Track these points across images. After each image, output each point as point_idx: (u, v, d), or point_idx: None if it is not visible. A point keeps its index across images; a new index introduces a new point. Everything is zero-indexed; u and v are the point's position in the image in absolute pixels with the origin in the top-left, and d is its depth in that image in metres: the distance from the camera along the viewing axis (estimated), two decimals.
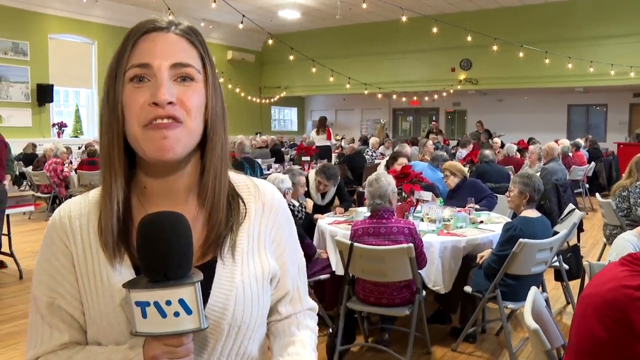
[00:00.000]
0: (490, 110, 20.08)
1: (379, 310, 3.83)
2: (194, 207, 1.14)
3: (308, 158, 10.75)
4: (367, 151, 13.23)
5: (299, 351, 1.20)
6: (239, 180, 1.23)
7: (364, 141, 16.48)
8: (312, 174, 5.76)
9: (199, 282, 0.97)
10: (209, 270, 1.08)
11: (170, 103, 1.02)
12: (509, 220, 4.88)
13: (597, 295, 2.38)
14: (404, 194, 4.76)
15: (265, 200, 1.21)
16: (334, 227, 4.61)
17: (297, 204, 5.23)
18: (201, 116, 1.10)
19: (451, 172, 5.81)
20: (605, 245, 5.97)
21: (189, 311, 0.97)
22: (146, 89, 1.04)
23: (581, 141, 12.79)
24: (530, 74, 16.41)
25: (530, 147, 9.80)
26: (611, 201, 5.50)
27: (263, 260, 1.16)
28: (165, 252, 0.95)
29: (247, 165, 8.20)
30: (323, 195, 5.78)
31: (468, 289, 4.08)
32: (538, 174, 8.15)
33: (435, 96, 18.86)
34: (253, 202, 1.20)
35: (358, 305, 3.86)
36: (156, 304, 0.96)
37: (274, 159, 12.68)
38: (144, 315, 0.97)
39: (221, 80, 1.30)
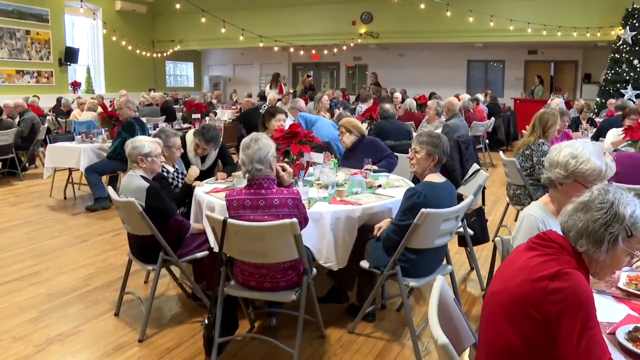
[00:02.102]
0: (391, 65, 19.83)
1: (261, 296, 3.23)
2: None
3: (198, 115, 9.90)
4: (264, 107, 12.49)
5: None
6: None
7: (262, 97, 15.72)
8: (189, 134, 5.00)
9: None
10: None
11: None
12: (410, 183, 4.41)
13: (506, 292, 1.84)
14: (292, 156, 4.14)
15: None
16: (212, 196, 3.93)
17: (171, 169, 4.50)
18: None
19: (347, 129, 5.25)
20: (508, 205, 5.69)
21: None
22: None
23: (481, 96, 12.71)
24: (432, 28, 16.21)
25: (429, 102, 9.48)
26: (515, 160, 5.17)
27: None
28: None
29: (137, 127, 7.25)
30: (203, 159, 5.04)
31: (365, 264, 3.56)
32: (438, 130, 7.82)
33: (335, 50, 18.27)
34: None
35: (237, 291, 3.24)
36: None
37: (164, 117, 11.69)
38: None
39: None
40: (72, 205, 7.65)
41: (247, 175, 3.05)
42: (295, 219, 2.89)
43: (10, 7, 15.97)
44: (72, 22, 18.89)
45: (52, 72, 17.35)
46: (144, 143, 3.77)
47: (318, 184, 3.85)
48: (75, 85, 18.30)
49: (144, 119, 9.54)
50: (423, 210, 3.08)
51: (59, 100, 13.82)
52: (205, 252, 3.80)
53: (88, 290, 4.54)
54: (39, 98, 13.28)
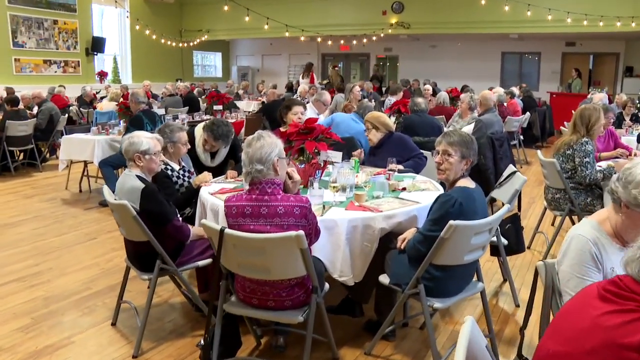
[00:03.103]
0: (422, 57, 19.26)
1: (264, 315, 2.85)
2: None
3: (220, 107, 9.57)
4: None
5: None
6: None
7: (289, 88, 15.34)
8: (198, 128, 4.62)
9: None
10: None
11: None
12: (438, 186, 3.97)
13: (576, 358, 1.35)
14: (308, 154, 3.75)
15: None
16: (217, 198, 3.56)
17: (176, 167, 4.13)
18: None
19: (373, 125, 4.83)
20: (545, 209, 5.20)
21: None
22: None
23: (516, 90, 12.10)
24: (465, 18, 15.61)
25: (461, 95, 8.97)
26: (555, 161, 4.69)
27: None
28: None
29: (146, 120, 6.93)
30: (213, 155, 4.67)
31: (384, 279, 3.15)
32: (471, 126, 7.32)
33: (365, 40, 17.75)
34: None
35: (237, 309, 2.87)
36: None
37: (186, 108, 11.39)
38: None
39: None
40: (87, 199, 7.40)
41: (247, 177, 2.67)
42: (301, 231, 2.49)
43: None
44: (101, 12, 18.78)
45: (78, 61, 17.26)
46: (142, 139, 3.41)
47: (334, 186, 3.43)
48: (102, 75, 18.19)
49: (162, 111, 9.28)
50: (451, 222, 2.65)
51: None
52: (208, 260, 3.44)
53: (87, 295, 4.23)
54: (64, 88, 13.17)
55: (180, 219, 3.51)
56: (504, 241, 3.89)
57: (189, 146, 4.17)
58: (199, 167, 4.48)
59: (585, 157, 4.62)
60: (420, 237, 2.95)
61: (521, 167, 9.48)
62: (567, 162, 4.72)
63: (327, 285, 3.01)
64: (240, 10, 14.50)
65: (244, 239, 2.56)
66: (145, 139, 3.40)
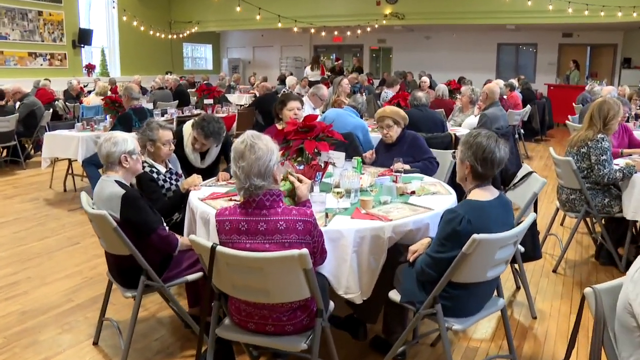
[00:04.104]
0: (417, 48, 18.93)
1: (262, 342, 2.51)
2: None
3: (211, 101, 9.19)
4: (283, 91, 11.75)
5: None
6: None
7: (282, 80, 14.96)
8: (187, 126, 4.26)
9: None
10: None
11: None
12: (448, 187, 3.65)
13: None
14: (307, 155, 3.41)
15: None
16: (207, 204, 3.22)
17: (162, 169, 3.78)
18: None
19: (395, 121, 4.42)
20: (557, 210, 4.89)
21: None
22: None
23: (515, 82, 11.80)
24: (461, 8, 15.28)
25: (462, 88, 8.64)
26: (571, 159, 4.37)
27: None
28: None
29: (135, 119, 6.55)
30: (203, 155, 4.31)
31: (395, 296, 2.83)
32: (473, 119, 7.01)
33: (359, 31, 17.37)
34: None
35: (231, 334, 2.54)
36: None
37: (176, 102, 11.01)
38: None
39: None
40: (71, 198, 7.03)
41: (243, 193, 2.32)
42: (305, 250, 2.16)
43: None
44: (89, 3, 18.28)
45: (65, 54, 16.81)
46: (127, 139, 3.07)
47: (338, 192, 3.09)
48: (90, 68, 17.74)
49: (150, 105, 8.92)
50: (475, 236, 2.32)
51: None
52: (199, 274, 3.10)
53: (68, 309, 3.88)
54: (50, 81, 12.72)
55: (167, 227, 3.17)
56: (521, 248, 3.57)
57: (173, 147, 3.81)
58: (188, 169, 4.13)
59: (602, 155, 4.31)
60: (428, 259, 2.60)
61: (522, 162, 9.18)
62: (583, 160, 4.41)
63: (332, 304, 2.68)
64: (231, 0, 14.09)
65: (239, 258, 2.23)
66: (130, 138, 3.06)
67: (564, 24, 15.27)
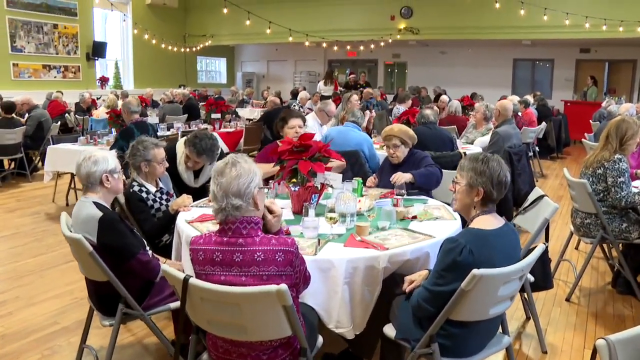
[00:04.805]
0: (432, 63, 18.72)
1: None
2: None
3: (218, 115, 9.06)
4: (294, 106, 11.61)
5: None
6: None
7: (294, 95, 14.85)
8: (180, 143, 4.09)
9: None
10: None
11: None
12: (452, 212, 3.42)
13: None
14: (302, 176, 3.21)
15: None
16: (194, 227, 3.03)
17: (153, 189, 3.61)
18: None
19: (402, 141, 4.17)
20: (571, 234, 4.64)
21: None
22: None
23: (530, 98, 11.53)
24: (477, 23, 15.06)
25: (476, 105, 8.43)
26: (586, 182, 4.12)
27: None
28: None
29: (137, 133, 6.38)
30: (197, 173, 4.13)
31: (390, 331, 2.61)
32: (486, 137, 6.78)
33: (372, 46, 17.20)
34: None
35: None
36: None
37: (185, 116, 10.90)
38: None
39: None
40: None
41: (220, 215, 2.13)
42: (284, 285, 1.96)
43: (39, 1, 15.44)
44: (105, 16, 18.36)
45: (79, 66, 16.82)
46: (107, 157, 2.90)
47: (331, 217, 2.89)
48: (104, 81, 17.77)
49: (156, 119, 8.81)
50: (475, 272, 2.11)
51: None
52: None
53: (52, 332, 3.70)
54: (62, 94, 12.71)
55: (150, 252, 2.98)
56: (530, 278, 3.34)
57: (167, 164, 3.64)
58: (181, 188, 3.95)
59: (620, 177, 4.06)
60: (425, 293, 2.37)
61: (537, 181, 8.90)
62: (599, 182, 4.17)
63: (320, 340, 2.48)
64: (243, 14, 14.03)
65: (212, 292, 2.03)
66: (110, 157, 2.90)
67: (582, 40, 14.98)
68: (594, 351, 1.65)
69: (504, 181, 2.41)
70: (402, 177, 3.79)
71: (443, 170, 4.45)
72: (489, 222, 2.39)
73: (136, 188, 3.50)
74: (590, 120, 10.55)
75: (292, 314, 2.03)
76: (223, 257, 2.08)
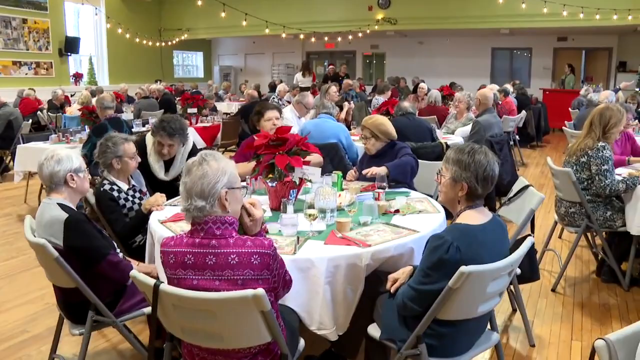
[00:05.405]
0: (410, 54, 18.66)
1: None
2: None
3: (195, 110, 8.87)
4: (273, 98, 11.44)
5: None
6: None
7: (272, 88, 14.67)
8: (149, 136, 3.92)
9: None
10: None
11: None
12: (437, 205, 3.32)
13: None
14: (279, 171, 3.08)
15: None
16: (167, 227, 2.89)
17: (125, 187, 3.45)
18: None
19: (372, 134, 3.98)
20: (555, 223, 4.57)
21: None
22: None
23: (509, 87, 11.51)
24: (455, 13, 15.01)
25: (458, 94, 8.34)
26: (570, 171, 4.05)
27: None
28: None
29: (111, 129, 6.18)
30: (168, 166, 3.95)
31: (374, 331, 2.50)
32: (467, 127, 6.70)
33: (350, 37, 17.06)
34: None
35: None
36: None
37: (161, 111, 10.67)
38: None
39: None
40: None
41: (187, 216, 1.99)
42: (260, 290, 1.83)
43: None
44: (77, 11, 17.95)
45: (51, 63, 16.44)
46: (70, 155, 2.74)
47: (310, 214, 2.76)
48: (78, 77, 17.40)
49: (131, 115, 8.59)
50: (463, 269, 2.00)
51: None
52: None
53: (22, 341, 3.54)
54: (34, 91, 12.39)
55: (120, 254, 2.83)
56: (517, 270, 3.25)
57: (139, 159, 3.49)
58: (153, 184, 3.79)
59: (604, 165, 3.99)
60: (410, 292, 2.26)
61: (518, 170, 8.86)
62: (583, 170, 4.10)
63: (302, 343, 2.36)
64: (218, 6, 13.79)
65: (185, 299, 1.90)
66: (74, 155, 2.74)
67: (559, 28, 15.01)
68: (593, 352, 1.55)
69: (490, 176, 2.29)
70: (375, 171, 3.63)
71: (425, 161, 4.34)
72: (476, 217, 2.28)
73: (107, 187, 3.35)
74: (570, 108, 10.56)
75: (271, 319, 1.91)
76: (195, 260, 1.94)
